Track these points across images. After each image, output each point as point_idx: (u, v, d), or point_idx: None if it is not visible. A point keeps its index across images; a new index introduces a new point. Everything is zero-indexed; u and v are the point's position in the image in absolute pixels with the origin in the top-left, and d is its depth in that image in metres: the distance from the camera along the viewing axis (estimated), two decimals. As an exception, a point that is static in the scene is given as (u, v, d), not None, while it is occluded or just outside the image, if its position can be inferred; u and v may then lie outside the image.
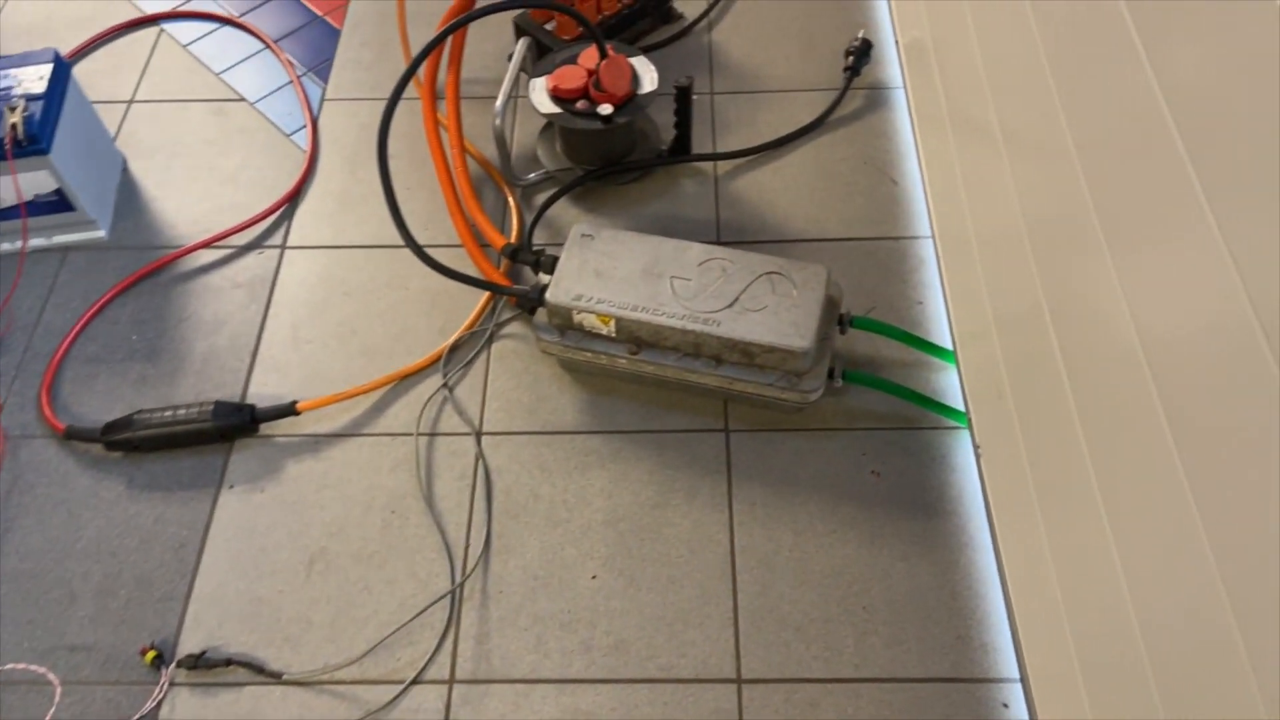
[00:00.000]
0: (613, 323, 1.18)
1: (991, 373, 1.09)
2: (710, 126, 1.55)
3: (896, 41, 1.60)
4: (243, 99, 1.64)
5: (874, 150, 1.50)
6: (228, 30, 1.75)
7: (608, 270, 1.20)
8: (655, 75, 1.38)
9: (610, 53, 1.37)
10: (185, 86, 1.65)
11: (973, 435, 1.15)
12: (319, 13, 1.76)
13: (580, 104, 1.36)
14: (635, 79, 1.37)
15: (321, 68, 1.68)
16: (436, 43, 1.29)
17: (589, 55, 1.38)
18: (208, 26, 1.75)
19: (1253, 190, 0.64)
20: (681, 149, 1.47)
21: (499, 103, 1.39)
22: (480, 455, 1.23)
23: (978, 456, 1.13)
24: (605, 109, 1.34)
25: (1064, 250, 0.92)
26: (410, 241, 1.24)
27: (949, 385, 1.24)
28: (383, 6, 1.75)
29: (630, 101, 1.36)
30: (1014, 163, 1.05)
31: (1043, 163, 0.97)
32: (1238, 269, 0.64)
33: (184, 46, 1.72)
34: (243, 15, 1.76)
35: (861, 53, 1.57)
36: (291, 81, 1.65)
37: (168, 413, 1.23)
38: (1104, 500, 0.83)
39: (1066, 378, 0.90)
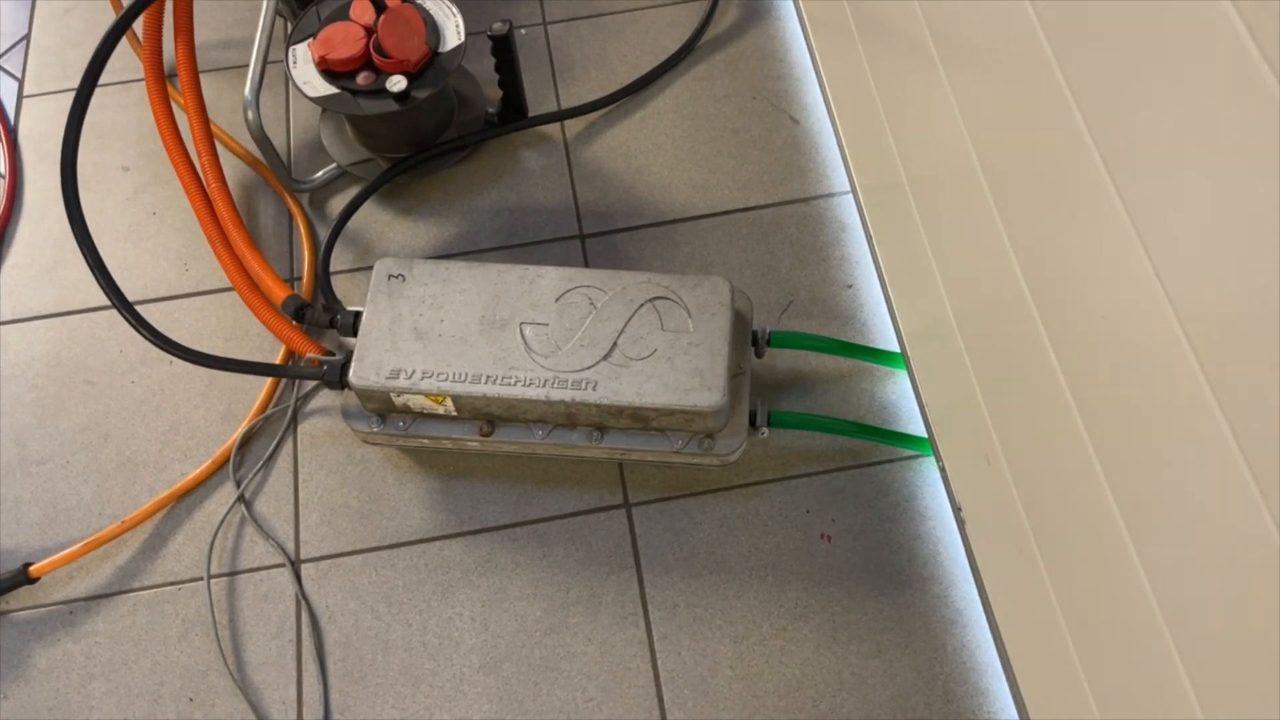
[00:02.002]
0: (449, 400, 0.85)
1: (959, 384, 0.80)
2: (550, 72, 1.18)
3: (772, -75, 1.24)
4: (-93, 110, 1.19)
5: (763, 78, 1.16)
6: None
7: (430, 326, 0.86)
8: (459, 22, 1.00)
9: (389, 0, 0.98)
10: None
11: (950, 491, 0.87)
12: (-1, -30, 1.29)
13: (362, 77, 0.98)
14: (433, 31, 0.99)
15: (13, 52, 1.23)
16: (132, 17, 0.88)
17: (363, 6, 0.99)
18: None
19: None
20: (515, 112, 1.11)
21: (248, 88, 1.00)
22: (301, 596, 0.90)
23: (960, 522, 0.85)
24: (397, 83, 0.96)
25: (1046, 194, 0.63)
26: (125, 310, 0.86)
27: (903, 395, 0.96)
28: (88, -49, 1.29)
29: (431, 65, 0.99)
30: (955, 79, 0.73)
31: (1003, 77, 0.66)
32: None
33: None
34: (-110, -14, 1.28)
35: (730, -54, 1.21)
36: (-28, 76, 1.20)
37: None
38: (1133, 540, 0.57)
39: (1065, 383, 0.62)
